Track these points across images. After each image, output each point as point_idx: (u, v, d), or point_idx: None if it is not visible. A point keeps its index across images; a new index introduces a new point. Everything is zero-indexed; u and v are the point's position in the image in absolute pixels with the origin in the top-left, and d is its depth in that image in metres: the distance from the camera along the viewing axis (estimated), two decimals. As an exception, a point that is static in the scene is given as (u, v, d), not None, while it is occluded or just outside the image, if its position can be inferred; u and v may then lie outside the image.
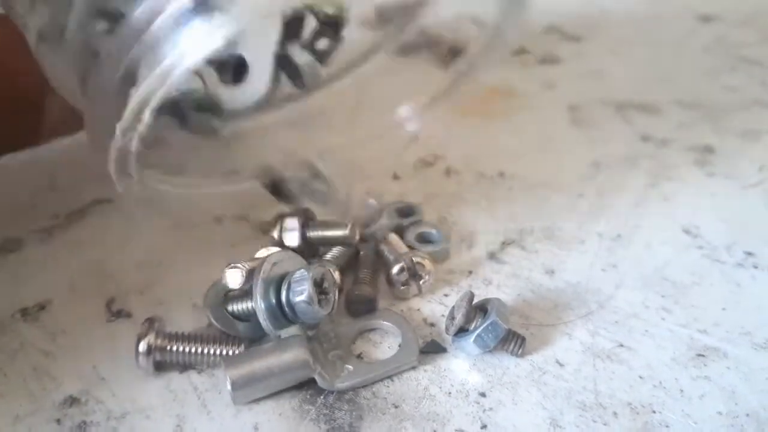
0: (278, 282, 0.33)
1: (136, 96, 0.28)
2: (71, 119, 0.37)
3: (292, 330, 0.33)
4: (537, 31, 0.72)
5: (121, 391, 0.32)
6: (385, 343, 0.35)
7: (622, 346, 0.34)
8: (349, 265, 0.39)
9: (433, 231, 0.41)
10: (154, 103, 0.29)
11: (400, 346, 0.34)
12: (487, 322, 0.32)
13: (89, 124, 0.32)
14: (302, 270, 0.32)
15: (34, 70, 0.36)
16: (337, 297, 0.33)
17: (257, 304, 0.32)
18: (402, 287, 0.37)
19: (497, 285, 0.38)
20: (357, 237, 0.38)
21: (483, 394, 0.32)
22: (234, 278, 0.33)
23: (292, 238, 0.38)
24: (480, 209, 0.44)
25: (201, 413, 0.31)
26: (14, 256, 0.42)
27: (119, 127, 0.29)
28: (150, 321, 0.33)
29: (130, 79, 0.28)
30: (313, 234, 0.38)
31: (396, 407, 0.31)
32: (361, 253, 0.39)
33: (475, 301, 0.34)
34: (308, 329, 0.34)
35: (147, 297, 0.38)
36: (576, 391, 0.32)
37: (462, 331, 0.33)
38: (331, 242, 0.39)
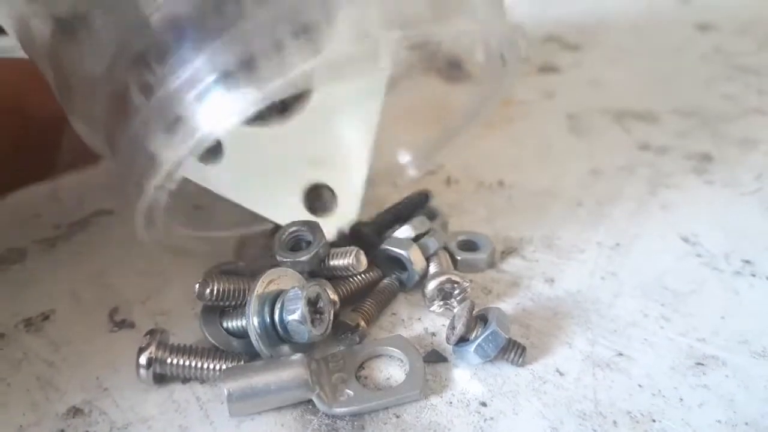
0: (273, 300, 0.33)
1: (169, 159, 0.30)
2: (86, 154, 0.38)
3: (286, 350, 0.33)
4: (536, 41, 0.73)
5: (124, 401, 0.33)
6: (392, 371, 0.34)
7: (621, 354, 0.34)
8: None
9: (477, 240, 0.41)
10: (184, 164, 0.31)
11: (406, 375, 0.33)
12: (488, 331, 0.33)
13: (120, 179, 0.33)
14: (296, 288, 0.32)
15: (50, 105, 0.37)
16: (332, 317, 0.33)
17: (249, 321, 0.32)
18: (431, 306, 0.37)
19: (497, 294, 0.38)
20: (362, 266, 0.36)
21: (484, 404, 0.32)
22: (202, 291, 0.34)
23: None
24: (479, 218, 0.45)
25: (203, 424, 0.31)
26: (17, 267, 0.42)
27: (151, 185, 0.31)
28: (152, 333, 0.33)
29: (160, 143, 0.30)
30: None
31: (397, 417, 0.31)
32: (384, 281, 0.38)
33: (476, 310, 0.34)
34: (303, 349, 0.33)
35: (149, 307, 0.38)
36: (576, 400, 0.32)
37: (463, 340, 0.33)
38: (337, 272, 0.37)
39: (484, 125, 0.55)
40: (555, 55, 0.70)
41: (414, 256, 0.38)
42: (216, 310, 0.36)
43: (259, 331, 0.32)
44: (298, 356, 0.32)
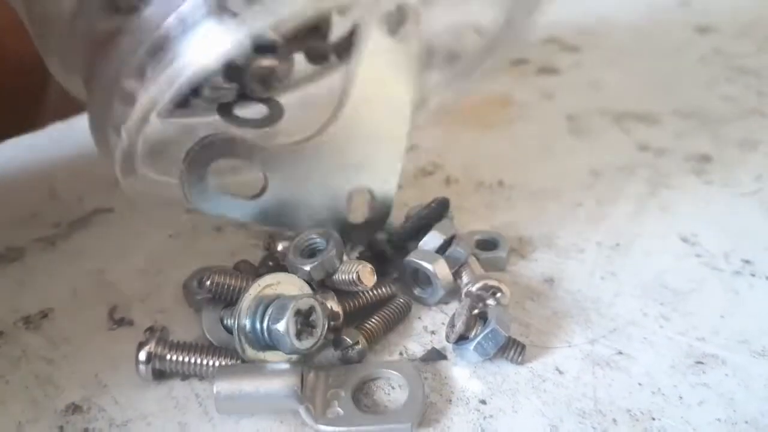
0: (267, 303, 0.32)
1: (143, 98, 0.27)
2: (72, 102, 0.36)
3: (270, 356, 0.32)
4: (536, 42, 0.73)
5: (123, 398, 0.33)
6: (395, 396, 0.32)
7: (621, 353, 0.34)
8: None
9: (494, 238, 0.41)
10: (161, 106, 0.28)
11: (403, 404, 0.31)
12: (487, 329, 0.33)
13: (93, 119, 0.31)
14: (288, 297, 0.32)
15: (30, 49, 0.34)
16: (324, 331, 0.32)
17: (236, 321, 0.32)
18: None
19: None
20: (368, 283, 0.35)
21: (483, 402, 0.32)
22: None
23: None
24: (479, 218, 0.45)
25: (203, 420, 0.31)
26: (16, 265, 0.42)
27: (125, 129, 0.28)
28: (151, 329, 0.33)
29: (138, 78, 0.27)
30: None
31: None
32: (397, 300, 0.37)
33: (475, 309, 0.34)
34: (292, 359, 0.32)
35: (148, 305, 0.38)
36: (575, 398, 0.32)
37: (462, 338, 0.33)
38: (342, 286, 0.36)
39: (483, 125, 0.56)
40: (555, 56, 0.70)
41: (440, 271, 0.36)
42: (216, 309, 0.36)
43: (244, 333, 0.32)
44: (294, 365, 0.31)
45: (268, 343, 0.32)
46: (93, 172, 0.50)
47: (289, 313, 0.31)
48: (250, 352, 0.32)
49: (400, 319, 0.36)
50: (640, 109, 0.58)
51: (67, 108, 0.45)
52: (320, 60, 0.40)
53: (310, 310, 0.32)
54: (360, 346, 0.33)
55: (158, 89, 0.27)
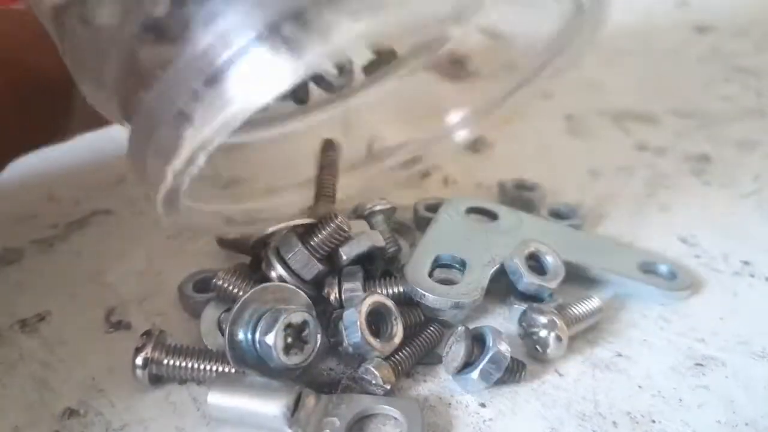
0: (261, 314, 0.31)
1: (193, 140, 0.25)
2: (99, 118, 0.35)
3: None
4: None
5: (120, 402, 0.32)
6: None
7: (620, 355, 0.34)
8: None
9: (563, 207, 0.42)
10: (211, 148, 0.26)
11: None
12: (490, 354, 0.31)
13: (134, 151, 0.29)
14: (279, 309, 0.31)
15: (56, 63, 0.33)
16: (317, 348, 0.31)
17: (227, 329, 0.31)
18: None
19: (495, 295, 0.38)
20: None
21: (483, 405, 0.32)
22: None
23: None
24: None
25: (200, 425, 0.31)
26: (14, 267, 0.41)
27: (171, 170, 0.26)
28: (149, 333, 0.33)
29: (184, 115, 0.25)
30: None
31: (396, 418, 0.31)
32: (430, 328, 0.35)
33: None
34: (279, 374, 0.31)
35: (146, 307, 0.38)
36: (575, 401, 0.32)
37: (465, 366, 0.32)
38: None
39: (482, 126, 0.55)
40: (553, 56, 0.69)
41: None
42: (215, 312, 0.35)
43: (233, 340, 0.31)
44: (293, 386, 0.30)
45: (259, 354, 0.31)
46: (91, 174, 0.50)
47: (278, 326, 0.30)
48: (235, 363, 0.31)
49: (431, 350, 0.34)
50: (638, 109, 0.58)
51: (93, 124, 0.45)
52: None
53: (303, 324, 0.31)
54: (389, 387, 0.31)
55: (211, 131, 0.25)
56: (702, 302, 0.37)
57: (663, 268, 0.39)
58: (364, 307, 0.32)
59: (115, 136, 0.52)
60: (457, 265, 0.37)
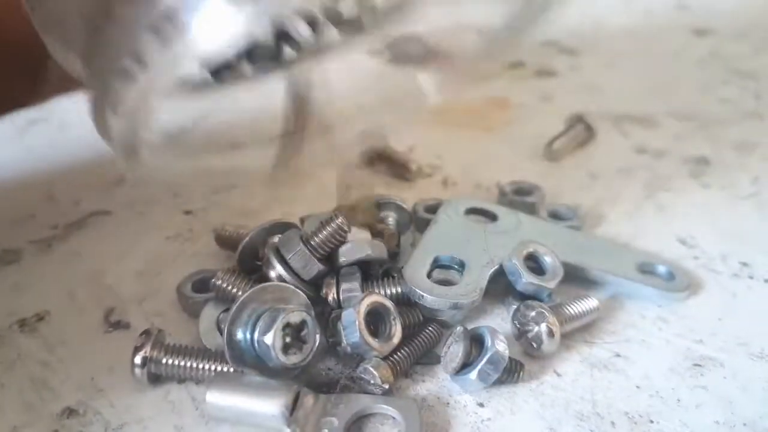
0: (260, 314, 0.31)
1: (142, 79, 0.24)
2: (72, 81, 0.34)
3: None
4: (534, 44, 0.73)
5: (119, 401, 0.32)
6: None
7: (619, 356, 0.34)
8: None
9: (562, 208, 0.42)
10: (162, 92, 0.25)
11: None
12: (488, 355, 0.31)
13: (92, 100, 0.28)
14: (278, 309, 0.31)
15: (34, 30, 0.33)
16: (315, 348, 0.31)
17: (226, 328, 0.31)
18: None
19: (493, 296, 0.38)
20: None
21: (481, 405, 0.32)
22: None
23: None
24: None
25: (199, 424, 0.31)
26: (13, 267, 0.42)
27: (122, 113, 0.26)
28: (147, 333, 0.33)
29: (139, 57, 0.24)
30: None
31: (394, 418, 0.31)
32: (429, 328, 0.34)
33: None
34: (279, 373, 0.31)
35: (145, 307, 0.38)
36: (574, 401, 0.32)
37: (463, 367, 0.32)
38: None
39: (482, 127, 0.56)
40: (552, 59, 0.70)
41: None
42: (213, 312, 0.35)
43: (231, 338, 0.31)
44: (292, 385, 0.30)
45: (258, 354, 0.31)
46: (90, 174, 0.50)
47: (277, 326, 0.30)
48: (233, 362, 0.31)
49: (430, 349, 0.34)
50: (638, 112, 0.58)
51: (67, 86, 0.44)
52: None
53: (302, 324, 0.31)
54: (387, 387, 0.32)
55: (158, 73, 0.24)
56: (700, 303, 0.37)
57: (661, 269, 0.39)
58: (363, 307, 0.32)
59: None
60: (455, 266, 0.37)
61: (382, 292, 0.35)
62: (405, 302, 0.35)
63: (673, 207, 0.46)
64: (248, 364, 0.31)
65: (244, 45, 0.24)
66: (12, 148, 0.54)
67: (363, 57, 0.49)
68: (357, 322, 0.31)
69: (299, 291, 0.33)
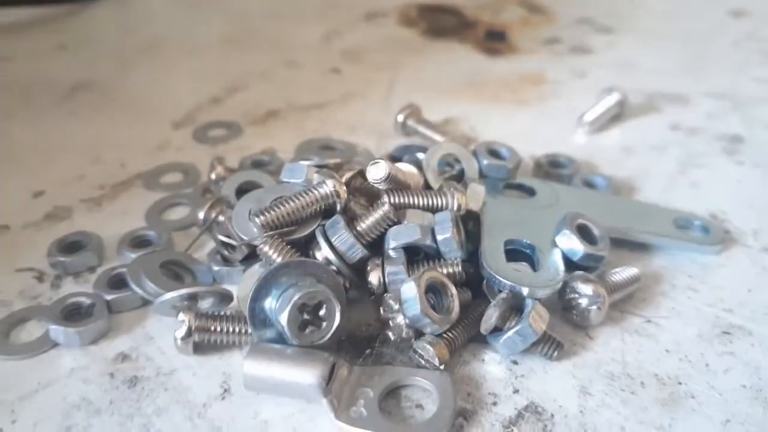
0: (284, 289, 0.32)
1: None
2: None
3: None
4: (570, 22, 0.73)
5: (170, 349, 0.34)
6: (425, 407, 0.31)
7: (649, 321, 0.35)
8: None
9: (597, 177, 0.45)
10: None
11: (428, 420, 0.30)
12: (519, 326, 0.32)
13: None
14: (293, 289, 0.31)
15: None
16: (334, 328, 0.31)
17: (246, 303, 0.32)
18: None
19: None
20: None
21: (515, 362, 0.33)
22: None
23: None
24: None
25: (245, 371, 0.33)
26: (65, 224, 0.43)
27: None
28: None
29: None
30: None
31: (427, 389, 0.32)
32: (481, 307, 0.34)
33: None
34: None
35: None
36: (605, 362, 0.33)
37: (497, 329, 0.32)
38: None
39: (517, 102, 0.56)
40: (588, 36, 0.70)
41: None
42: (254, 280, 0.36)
43: (254, 312, 0.32)
44: (328, 355, 0.31)
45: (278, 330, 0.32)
46: (135, 139, 0.52)
47: (290, 307, 0.30)
48: (257, 333, 0.32)
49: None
50: (672, 90, 0.58)
51: None
52: None
53: (320, 304, 0.31)
54: (442, 367, 0.32)
55: None
56: (731, 275, 0.38)
57: (697, 223, 0.41)
58: (423, 281, 0.32)
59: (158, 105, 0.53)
60: (525, 249, 0.36)
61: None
62: (455, 282, 0.34)
63: (706, 182, 0.46)
64: (271, 338, 0.32)
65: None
66: (59, 112, 0.56)
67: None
68: (418, 296, 0.31)
69: (331, 270, 0.33)
